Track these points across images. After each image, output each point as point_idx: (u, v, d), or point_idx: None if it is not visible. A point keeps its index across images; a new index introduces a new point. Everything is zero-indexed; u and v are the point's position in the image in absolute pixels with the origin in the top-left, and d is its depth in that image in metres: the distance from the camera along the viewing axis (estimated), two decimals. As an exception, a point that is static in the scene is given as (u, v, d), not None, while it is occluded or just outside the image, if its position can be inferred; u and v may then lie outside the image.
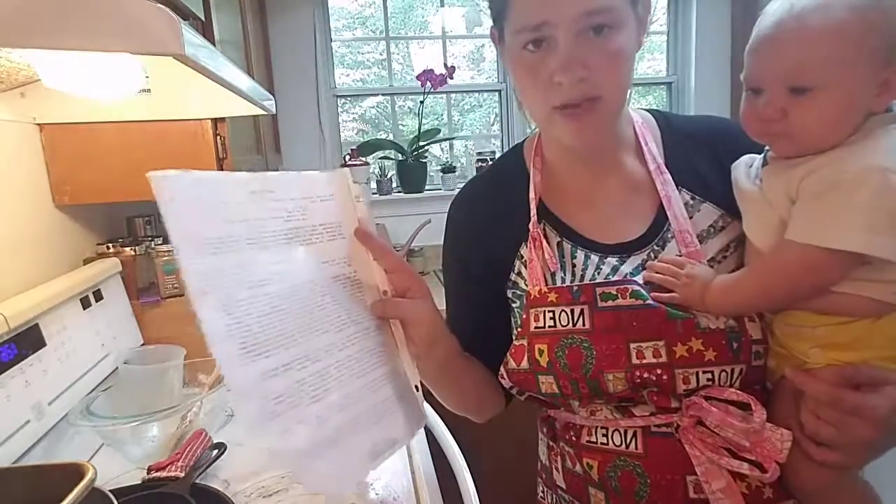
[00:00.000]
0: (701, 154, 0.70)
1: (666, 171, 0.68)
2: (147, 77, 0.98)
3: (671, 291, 0.62)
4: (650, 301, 0.61)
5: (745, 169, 0.66)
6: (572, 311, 0.63)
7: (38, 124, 1.18)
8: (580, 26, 0.58)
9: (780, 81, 0.57)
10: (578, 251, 0.68)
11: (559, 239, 0.70)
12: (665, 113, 0.76)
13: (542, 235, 0.69)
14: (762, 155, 0.64)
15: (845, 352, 0.58)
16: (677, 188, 0.68)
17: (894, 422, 0.54)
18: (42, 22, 0.51)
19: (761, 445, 0.57)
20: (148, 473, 0.81)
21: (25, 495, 0.56)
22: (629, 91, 0.66)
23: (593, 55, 0.59)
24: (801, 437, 0.58)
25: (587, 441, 0.66)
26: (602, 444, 0.65)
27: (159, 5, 0.54)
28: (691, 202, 0.67)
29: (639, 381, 0.60)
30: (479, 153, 2.48)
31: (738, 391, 0.59)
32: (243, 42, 1.72)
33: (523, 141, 0.80)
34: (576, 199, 0.71)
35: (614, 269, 0.66)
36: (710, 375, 0.59)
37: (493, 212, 0.75)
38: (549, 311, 0.65)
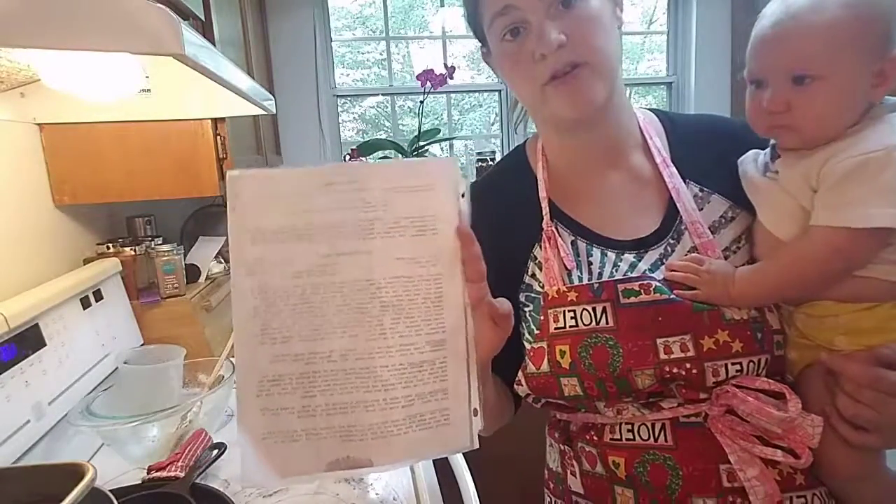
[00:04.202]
0: (705, 149, 0.71)
1: (672, 164, 0.69)
2: (147, 77, 0.98)
3: (692, 289, 0.62)
4: (673, 296, 0.61)
5: (752, 163, 0.68)
6: (594, 309, 0.62)
7: (38, 124, 1.18)
8: (547, 1, 0.61)
9: (782, 72, 0.59)
10: (594, 249, 0.68)
11: (573, 238, 0.69)
12: (667, 112, 0.77)
13: (556, 234, 0.68)
14: (768, 149, 0.66)
15: (871, 336, 0.59)
16: (685, 181, 0.68)
17: None
18: (42, 22, 0.51)
19: (794, 432, 0.57)
20: (148, 473, 0.80)
21: (25, 495, 0.56)
22: (617, 63, 0.65)
23: (567, 23, 0.61)
24: (837, 421, 0.58)
25: (611, 439, 0.65)
26: (628, 439, 0.63)
27: (159, 5, 0.54)
28: (700, 194, 0.68)
29: (668, 376, 0.59)
30: (479, 153, 2.48)
31: (769, 380, 0.59)
32: (243, 42, 1.72)
33: (524, 143, 0.79)
34: (584, 197, 0.70)
35: (632, 266, 0.65)
36: (738, 367, 0.59)
37: (500, 215, 0.73)
38: (569, 311, 0.64)
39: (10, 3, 0.51)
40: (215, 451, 0.88)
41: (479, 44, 0.71)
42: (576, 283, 0.66)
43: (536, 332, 0.66)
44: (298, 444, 0.52)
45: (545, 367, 0.64)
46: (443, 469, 0.97)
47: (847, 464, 0.59)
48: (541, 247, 0.69)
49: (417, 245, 0.53)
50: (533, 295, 0.69)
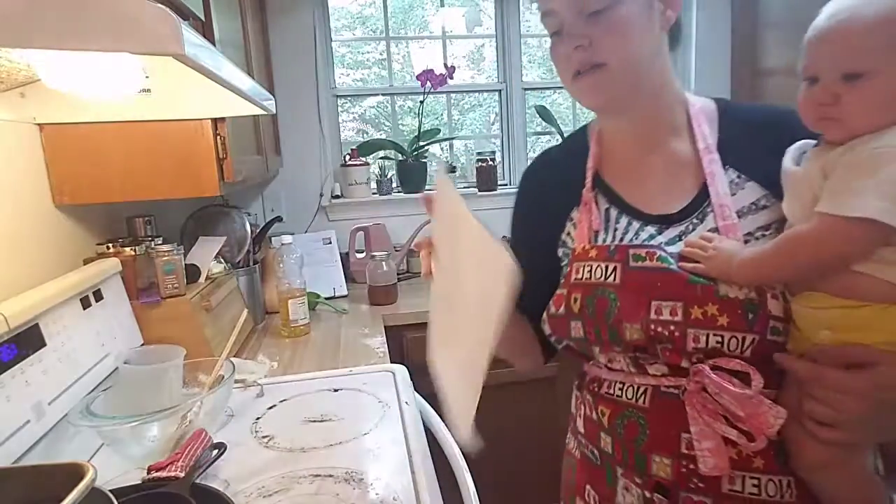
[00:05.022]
0: (755, 138, 0.73)
1: (715, 151, 0.73)
2: (147, 77, 0.98)
3: (699, 263, 0.67)
4: (673, 267, 0.68)
5: (794, 152, 0.68)
6: (607, 266, 0.72)
7: (38, 124, 1.18)
8: (578, 9, 0.70)
9: (833, 68, 0.60)
10: (623, 217, 0.76)
11: (608, 206, 0.78)
12: (727, 100, 0.81)
13: (593, 201, 0.78)
14: (816, 142, 0.66)
15: (853, 334, 0.60)
16: (724, 167, 0.72)
17: (888, 399, 0.57)
18: (42, 22, 0.51)
19: (755, 417, 0.62)
20: (148, 473, 0.80)
21: (25, 495, 0.56)
22: (647, 63, 0.72)
23: (595, 30, 0.70)
24: (800, 415, 0.61)
25: (605, 392, 0.75)
26: (617, 395, 0.73)
27: (159, 5, 0.54)
28: (737, 180, 0.72)
29: (653, 334, 0.66)
30: (479, 153, 2.48)
31: (742, 361, 0.63)
32: (243, 42, 1.72)
33: (588, 123, 0.89)
34: (625, 172, 0.79)
35: (651, 237, 0.73)
36: (719, 339, 0.64)
37: (556, 181, 0.85)
38: (587, 266, 0.74)
39: (10, 3, 0.51)
40: (215, 451, 0.88)
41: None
42: (598, 243, 0.76)
43: (562, 280, 0.77)
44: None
45: (561, 310, 0.75)
46: (443, 469, 0.97)
47: (808, 453, 0.62)
48: (578, 210, 0.80)
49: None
50: (566, 250, 0.81)
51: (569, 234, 0.81)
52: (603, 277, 0.71)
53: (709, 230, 0.70)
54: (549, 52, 0.77)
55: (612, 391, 0.74)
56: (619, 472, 0.72)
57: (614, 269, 0.71)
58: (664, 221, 0.74)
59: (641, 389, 0.70)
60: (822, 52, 0.61)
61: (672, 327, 0.65)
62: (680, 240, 0.71)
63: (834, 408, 0.59)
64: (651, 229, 0.74)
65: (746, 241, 0.68)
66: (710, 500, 0.66)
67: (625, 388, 0.72)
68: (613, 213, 0.77)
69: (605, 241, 0.76)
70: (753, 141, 0.73)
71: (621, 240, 0.75)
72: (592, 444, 0.77)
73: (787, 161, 0.67)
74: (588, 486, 0.79)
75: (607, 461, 0.74)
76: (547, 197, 0.85)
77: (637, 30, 0.70)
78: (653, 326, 0.66)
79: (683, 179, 0.74)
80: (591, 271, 0.73)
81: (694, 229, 0.71)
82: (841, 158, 0.59)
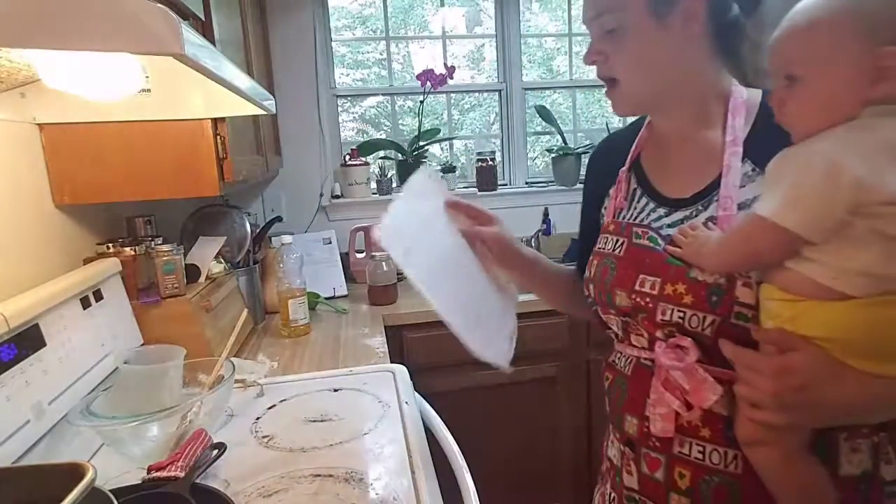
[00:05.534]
0: (784, 135, 0.74)
1: (740, 144, 0.77)
2: (147, 77, 0.98)
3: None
4: (658, 247, 0.76)
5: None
6: (617, 240, 0.81)
7: (38, 124, 1.18)
8: (596, 25, 0.78)
9: (777, 73, 0.64)
10: (644, 198, 0.84)
11: (636, 186, 0.86)
12: None
13: (626, 181, 0.87)
14: None
15: (794, 327, 0.62)
16: (743, 160, 0.76)
17: (796, 385, 0.61)
18: (42, 22, 0.51)
19: (696, 391, 0.70)
20: (148, 473, 0.81)
21: (25, 495, 0.56)
22: (663, 84, 0.79)
23: (609, 47, 0.77)
24: (737, 393, 0.67)
25: (611, 360, 0.87)
26: (616, 364, 0.84)
27: (159, 5, 0.54)
28: (750, 173, 0.75)
29: (635, 303, 0.76)
30: (479, 153, 2.48)
31: (688, 337, 0.72)
32: (243, 42, 1.72)
33: None
34: (660, 159, 0.86)
35: (659, 218, 0.80)
36: (682, 315, 0.72)
37: (609, 160, 0.93)
38: (606, 237, 0.84)
39: (10, 3, 0.51)
40: (215, 451, 0.88)
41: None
42: (619, 219, 0.85)
43: (594, 248, 0.87)
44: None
45: (588, 273, 0.86)
46: (443, 469, 0.97)
47: (740, 430, 0.67)
48: (614, 188, 0.89)
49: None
50: (601, 222, 0.90)
51: (605, 208, 0.91)
52: (612, 249, 0.81)
53: (708, 218, 0.75)
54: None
55: (614, 360, 0.85)
56: (610, 427, 0.86)
57: (622, 243, 0.80)
58: (675, 205, 0.80)
59: (628, 360, 0.81)
60: (770, 56, 0.65)
61: (648, 299, 0.74)
62: (682, 223, 0.77)
63: (750, 386, 0.64)
64: (661, 211, 0.81)
65: None
66: (663, 458, 0.75)
67: (620, 359, 0.83)
68: (639, 193, 0.85)
69: (624, 217, 0.85)
70: (781, 136, 0.73)
71: (636, 218, 0.83)
72: (607, 396, 0.89)
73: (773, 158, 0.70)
74: (605, 441, 0.91)
75: (609, 418, 0.86)
76: (599, 175, 0.95)
77: (649, 47, 0.75)
78: (635, 296, 0.76)
79: (706, 168, 0.78)
80: (608, 243, 0.83)
81: (697, 215, 0.77)
82: (775, 159, 0.64)
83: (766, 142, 0.75)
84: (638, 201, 0.84)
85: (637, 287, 0.75)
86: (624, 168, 0.88)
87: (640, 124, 0.93)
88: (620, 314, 0.79)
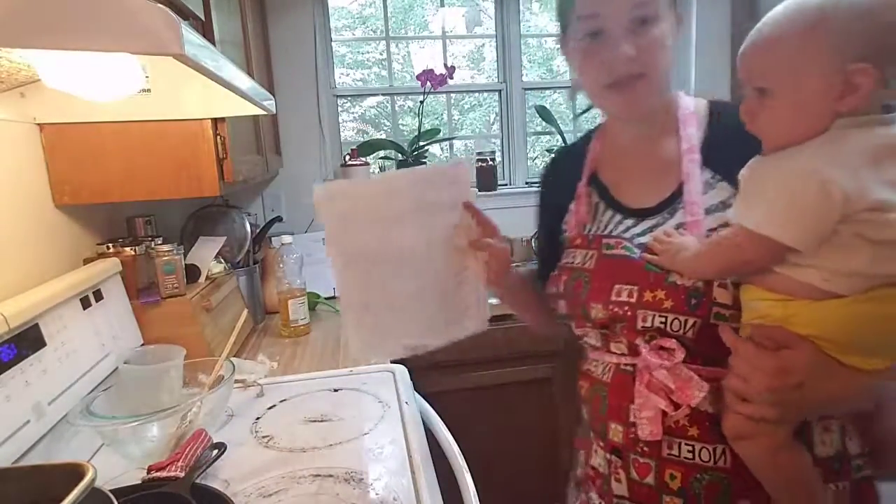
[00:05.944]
0: (740, 141, 0.75)
1: (697, 152, 0.78)
2: (147, 77, 0.98)
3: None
4: (634, 256, 0.77)
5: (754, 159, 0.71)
6: (586, 254, 0.82)
7: (38, 124, 1.18)
8: (629, 17, 0.73)
9: (748, 84, 0.65)
10: (608, 210, 0.84)
11: (598, 200, 0.87)
12: (724, 102, 0.85)
13: (587, 195, 0.87)
14: None
15: (785, 325, 0.64)
16: (702, 167, 0.77)
17: (793, 382, 0.62)
18: (42, 22, 0.51)
19: (682, 389, 0.71)
20: (148, 473, 0.81)
21: (25, 495, 0.56)
22: (669, 76, 0.78)
23: (638, 39, 0.73)
24: (725, 388, 0.68)
25: (586, 369, 0.85)
26: (592, 372, 0.83)
27: (159, 5, 0.54)
28: (710, 180, 0.77)
29: (612, 314, 0.76)
30: (479, 153, 2.48)
31: (673, 339, 0.72)
32: (243, 42, 1.72)
33: (602, 123, 0.96)
34: (619, 169, 0.87)
35: (627, 228, 0.81)
36: (663, 320, 0.73)
37: (563, 174, 0.94)
38: (573, 252, 0.84)
39: (10, 3, 0.51)
40: (215, 451, 0.88)
41: (560, 31, 0.84)
42: (585, 233, 0.85)
43: (559, 263, 0.87)
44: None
45: (554, 289, 0.86)
46: (443, 469, 0.97)
47: (727, 424, 0.68)
48: (575, 203, 0.89)
49: (450, 216, 0.89)
50: (563, 238, 0.90)
51: (567, 222, 0.90)
52: (582, 263, 0.82)
53: (676, 225, 0.76)
54: (578, 52, 0.79)
55: (590, 369, 0.84)
56: (592, 436, 0.84)
57: (591, 255, 0.81)
58: (641, 215, 0.81)
59: (606, 367, 0.80)
60: (741, 66, 0.65)
61: (626, 308, 0.75)
62: (651, 231, 0.78)
63: (745, 380, 0.65)
64: (628, 222, 0.81)
65: (709, 236, 0.73)
66: (653, 462, 0.74)
67: (597, 366, 0.82)
68: (602, 206, 0.86)
69: (590, 231, 0.85)
70: (737, 143, 0.74)
71: (602, 231, 0.83)
72: (585, 405, 0.88)
73: (745, 167, 0.71)
74: (581, 449, 0.90)
75: (588, 427, 0.85)
76: (555, 191, 0.95)
77: (669, 42, 0.75)
78: (612, 307, 0.76)
79: (666, 177, 0.80)
80: (576, 257, 0.83)
81: (664, 223, 0.78)
82: (750, 170, 0.65)
83: (722, 150, 0.78)
84: (602, 214, 0.85)
85: (613, 297, 0.76)
86: (582, 182, 0.88)
87: (585, 140, 0.94)
88: (597, 326, 0.79)
